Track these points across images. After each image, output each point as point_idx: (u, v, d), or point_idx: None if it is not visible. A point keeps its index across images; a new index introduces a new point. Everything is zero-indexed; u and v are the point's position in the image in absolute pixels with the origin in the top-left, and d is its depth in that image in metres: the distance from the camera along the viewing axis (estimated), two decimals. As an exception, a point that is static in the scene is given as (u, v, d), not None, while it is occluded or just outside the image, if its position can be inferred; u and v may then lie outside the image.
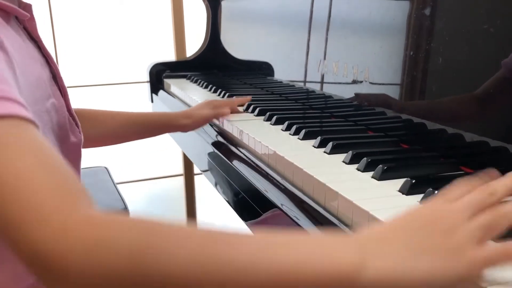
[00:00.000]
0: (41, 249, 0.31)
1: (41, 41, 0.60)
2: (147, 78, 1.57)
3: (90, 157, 1.66)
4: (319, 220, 0.52)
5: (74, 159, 0.64)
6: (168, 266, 0.31)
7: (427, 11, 0.65)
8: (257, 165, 0.70)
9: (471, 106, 0.60)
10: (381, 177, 0.56)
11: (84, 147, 0.86)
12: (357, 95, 0.81)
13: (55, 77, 0.60)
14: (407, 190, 0.51)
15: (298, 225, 0.53)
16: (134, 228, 0.33)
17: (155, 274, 0.31)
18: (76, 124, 0.64)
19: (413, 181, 0.51)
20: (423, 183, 0.51)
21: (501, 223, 0.35)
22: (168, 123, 0.90)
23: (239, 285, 0.31)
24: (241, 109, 1.00)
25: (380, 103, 0.76)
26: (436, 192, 0.48)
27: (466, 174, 0.58)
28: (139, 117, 0.88)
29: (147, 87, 1.59)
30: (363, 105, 0.80)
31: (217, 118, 0.94)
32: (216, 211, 1.96)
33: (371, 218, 0.46)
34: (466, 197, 0.36)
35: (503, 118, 0.56)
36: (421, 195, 0.49)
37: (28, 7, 0.58)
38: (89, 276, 0.31)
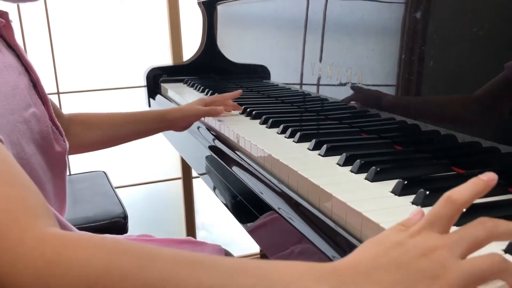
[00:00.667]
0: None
1: (19, 49, 0.60)
2: (144, 82, 1.58)
3: (88, 161, 1.67)
4: (313, 221, 0.53)
5: (59, 168, 0.64)
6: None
7: (420, 14, 0.66)
8: (253, 168, 0.71)
9: (464, 107, 0.61)
10: (374, 178, 0.57)
11: (83, 151, 0.87)
12: (352, 93, 0.82)
13: (36, 85, 0.59)
14: (400, 191, 0.52)
15: (294, 226, 0.54)
16: (89, 250, 0.31)
17: None
18: (60, 133, 0.64)
19: (405, 182, 0.52)
20: (415, 184, 0.52)
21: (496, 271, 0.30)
22: (161, 118, 0.91)
23: None
24: (237, 112, 1.01)
25: (373, 102, 0.77)
26: (427, 192, 0.49)
27: (458, 174, 0.59)
28: (134, 116, 0.90)
29: (144, 91, 1.60)
30: (357, 105, 0.81)
31: (211, 116, 0.95)
32: (214, 214, 1.97)
33: (364, 219, 0.47)
34: (461, 230, 0.32)
35: (496, 119, 0.57)
36: (413, 196, 0.50)
37: (4, 15, 0.58)
38: None
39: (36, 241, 0.31)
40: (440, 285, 0.29)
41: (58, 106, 1.65)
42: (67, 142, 0.66)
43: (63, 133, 0.65)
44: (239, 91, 1.03)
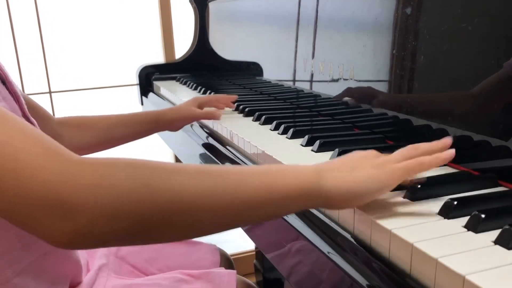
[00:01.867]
0: (49, 191, 0.35)
1: None
2: (136, 80, 1.57)
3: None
4: (307, 216, 0.53)
5: None
6: (172, 192, 0.38)
7: (411, 10, 0.67)
8: (247, 165, 0.72)
9: (456, 102, 0.62)
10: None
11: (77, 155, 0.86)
12: (345, 91, 0.83)
13: (5, 82, 0.59)
14: (392, 186, 0.52)
15: (287, 222, 0.55)
16: (136, 166, 0.39)
17: (167, 202, 0.38)
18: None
19: (397, 176, 0.52)
20: (407, 178, 0.52)
21: (418, 169, 0.47)
22: (156, 119, 0.90)
23: (227, 204, 0.40)
24: (230, 110, 1.01)
25: (366, 98, 0.77)
26: (419, 186, 0.49)
27: (449, 167, 0.59)
28: (127, 118, 0.88)
29: (136, 90, 1.59)
30: (350, 101, 0.81)
31: (207, 119, 0.95)
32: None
33: (356, 211, 0.47)
34: (399, 151, 0.49)
35: (488, 113, 0.57)
36: (404, 190, 0.51)
37: None
38: (100, 208, 0.36)
39: (84, 163, 0.37)
40: (385, 169, 0.46)
41: (50, 105, 1.65)
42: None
43: (38, 128, 0.64)
44: (235, 96, 1.03)
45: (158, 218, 0.38)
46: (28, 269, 0.54)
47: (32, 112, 0.62)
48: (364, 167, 0.46)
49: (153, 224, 0.38)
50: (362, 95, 0.78)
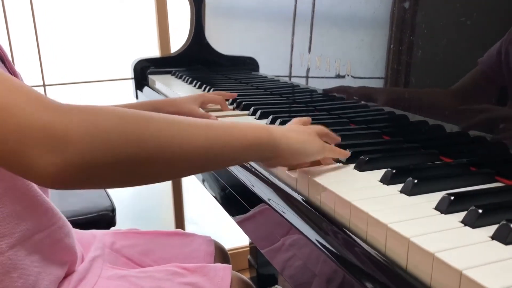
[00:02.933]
0: (39, 119, 0.38)
1: None
2: (131, 74, 1.56)
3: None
4: (304, 212, 0.53)
5: None
6: (157, 138, 0.44)
7: (408, 4, 0.66)
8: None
9: (449, 99, 0.61)
10: (363, 168, 0.57)
11: None
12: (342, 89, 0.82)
13: (4, 61, 0.60)
14: (388, 180, 0.52)
15: (285, 218, 0.54)
16: (117, 114, 0.43)
17: (150, 147, 0.43)
18: None
19: (394, 171, 0.52)
20: (403, 173, 0.52)
21: (332, 155, 0.59)
22: (154, 111, 0.90)
23: (199, 150, 0.47)
24: (230, 106, 1.00)
25: (362, 93, 0.77)
26: (416, 181, 0.49)
27: (446, 163, 0.59)
28: (126, 108, 0.88)
29: (131, 83, 1.58)
30: (346, 96, 0.81)
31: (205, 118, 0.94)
32: (204, 207, 1.96)
33: (353, 208, 0.47)
34: (317, 127, 0.61)
35: (481, 110, 0.57)
36: (402, 185, 0.50)
37: None
38: (90, 140, 0.39)
39: (72, 108, 0.40)
40: (319, 142, 0.57)
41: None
42: None
43: None
44: (235, 94, 1.03)
45: (142, 158, 0.42)
46: (22, 245, 0.56)
47: None
48: (306, 134, 0.57)
49: (136, 162, 0.42)
50: (358, 89, 0.78)
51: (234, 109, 0.98)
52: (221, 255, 0.89)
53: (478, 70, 0.55)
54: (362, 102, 0.77)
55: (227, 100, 1.01)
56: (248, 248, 1.75)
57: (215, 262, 0.85)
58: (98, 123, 0.40)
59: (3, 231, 0.54)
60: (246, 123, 0.54)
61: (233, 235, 1.78)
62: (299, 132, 0.57)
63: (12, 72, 0.61)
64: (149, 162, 0.43)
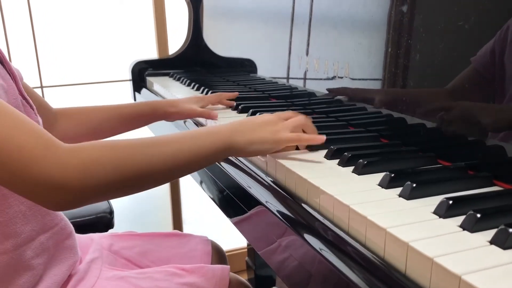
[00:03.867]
0: (46, 177, 0.47)
1: None
2: (129, 76, 1.56)
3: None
4: (301, 215, 0.53)
5: None
6: (138, 163, 0.53)
7: (406, 8, 0.66)
8: (240, 161, 0.71)
9: (444, 100, 0.61)
10: (361, 171, 0.57)
11: None
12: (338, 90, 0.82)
13: (2, 62, 0.61)
14: (387, 184, 0.52)
15: (282, 220, 0.54)
16: (105, 148, 0.52)
17: (131, 171, 0.52)
18: (31, 107, 0.64)
19: (392, 175, 0.52)
20: (402, 177, 0.52)
21: (296, 142, 0.65)
22: (153, 112, 0.90)
23: (175, 163, 0.56)
24: (222, 106, 1.00)
25: (360, 96, 0.77)
26: (414, 185, 0.49)
27: (444, 167, 0.59)
28: (124, 108, 0.88)
29: (129, 85, 1.58)
30: (344, 99, 0.81)
31: (205, 118, 0.94)
32: (201, 209, 1.96)
33: (352, 212, 0.47)
34: (291, 120, 0.66)
35: (480, 113, 0.57)
36: (400, 188, 0.50)
37: None
38: (87, 184, 0.49)
39: (71, 151, 0.49)
40: (275, 137, 0.63)
41: (42, 100, 1.63)
42: (40, 117, 0.65)
43: (34, 107, 0.65)
44: (236, 93, 1.03)
45: (127, 181, 0.53)
46: (27, 245, 0.59)
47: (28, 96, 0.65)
48: (262, 131, 0.62)
49: (123, 185, 0.53)
50: (357, 92, 0.78)
51: (230, 108, 0.98)
52: (218, 255, 0.90)
53: (471, 68, 0.55)
54: (360, 105, 0.77)
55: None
56: (246, 250, 1.75)
57: (212, 262, 0.85)
58: (90, 166, 0.50)
59: (10, 231, 0.55)
60: (208, 129, 0.62)
61: (231, 237, 1.77)
62: (256, 130, 0.63)
63: (11, 72, 0.61)
64: (132, 183, 0.53)
